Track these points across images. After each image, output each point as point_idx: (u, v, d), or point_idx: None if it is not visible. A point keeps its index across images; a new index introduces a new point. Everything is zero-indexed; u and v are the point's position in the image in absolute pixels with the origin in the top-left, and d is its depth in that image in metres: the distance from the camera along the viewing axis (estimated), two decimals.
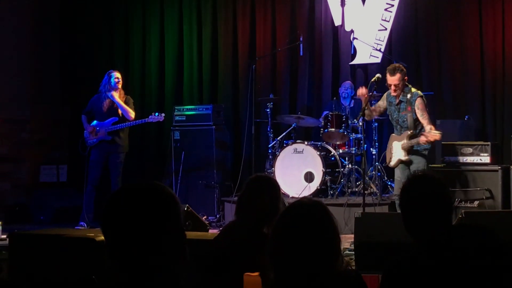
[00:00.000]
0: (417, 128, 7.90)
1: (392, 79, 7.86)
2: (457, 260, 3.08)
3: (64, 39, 12.34)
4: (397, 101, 7.94)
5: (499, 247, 3.16)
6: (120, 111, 9.54)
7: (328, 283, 2.78)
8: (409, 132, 7.86)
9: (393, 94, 7.96)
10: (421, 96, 7.91)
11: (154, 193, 2.25)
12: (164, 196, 2.26)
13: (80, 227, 9.31)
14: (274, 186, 4.21)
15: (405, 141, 7.88)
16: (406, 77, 7.92)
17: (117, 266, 2.18)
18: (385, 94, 8.25)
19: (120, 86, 9.62)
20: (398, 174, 8.13)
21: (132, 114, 9.54)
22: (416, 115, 7.85)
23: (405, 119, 7.91)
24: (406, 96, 7.89)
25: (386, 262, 3.18)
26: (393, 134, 8.21)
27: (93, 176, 9.59)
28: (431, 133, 7.60)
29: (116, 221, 2.20)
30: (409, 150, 7.89)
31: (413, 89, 7.96)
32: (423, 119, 7.81)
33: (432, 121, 8.05)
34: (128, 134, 9.78)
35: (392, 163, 8.11)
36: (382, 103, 8.27)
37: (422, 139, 7.64)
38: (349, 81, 10.46)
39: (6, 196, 11.12)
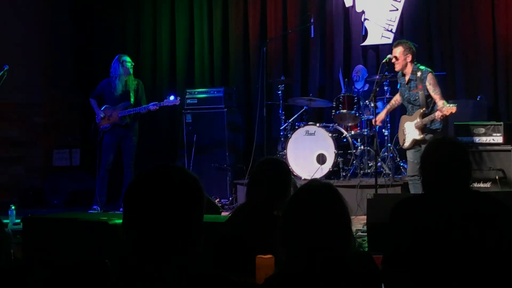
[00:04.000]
0: (429, 106, 7.79)
1: (394, 51, 7.85)
2: (460, 215, 3.38)
3: (76, 23, 12.34)
4: (407, 79, 7.86)
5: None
6: (132, 97, 9.56)
7: (340, 264, 2.79)
8: (421, 110, 7.76)
9: (396, 69, 7.91)
10: (431, 72, 7.84)
11: (184, 176, 2.21)
12: (191, 179, 2.23)
13: (93, 211, 9.35)
14: (283, 168, 4.20)
15: (418, 119, 7.78)
16: (410, 55, 7.78)
17: (135, 249, 2.14)
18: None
19: (132, 71, 9.63)
20: (410, 155, 8.04)
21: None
22: (428, 91, 7.74)
23: (416, 98, 7.81)
24: (416, 74, 7.78)
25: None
26: (404, 116, 8.13)
27: (106, 160, 9.61)
28: (445, 107, 7.50)
29: (144, 202, 2.14)
30: (423, 129, 7.78)
31: (422, 66, 7.86)
32: (436, 94, 7.71)
33: (445, 98, 7.95)
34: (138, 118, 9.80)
35: (407, 144, 7.99)
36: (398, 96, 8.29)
37: (438, 114, 7.55)
38: (360, 65, 10.42)
39: (19, 180, 11.18)
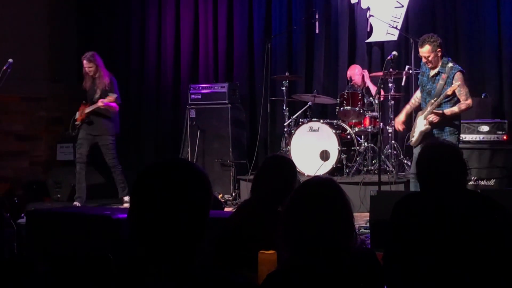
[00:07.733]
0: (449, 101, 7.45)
1: (422, 52, 7.47)
2: (458, 216, 3.43)
3: (81, 16, 12.34)
4: (435, 72, 7.49)
5: (506, 221, 3.45)
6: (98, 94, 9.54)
7: (342, 261, 2.78)
8: (432, 100, 7.42)
9: (430, 67, 7.52)
10: (461, 71, 7.46)
11: (193, 171, 2.21)
12: (201, 175, 2.21)
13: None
14: (290, 165, 4.21)
15: (429, 108, 7.44)
16: (440, 49, 7.45)
17: (140, 244, 2.13)
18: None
19: (91, 74, 9.63)
20: (416, 153, 7.66)
21: (114, 103, 9.50)
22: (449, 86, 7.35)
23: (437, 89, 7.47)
24: (445, 67, 7.45)
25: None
26: (420, 111, 7.73)
27: (79, 153, 9.65)
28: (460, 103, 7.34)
29: (152, 196, 2.11)
30: (433, 123, 7.43)
31: (451, 63, 7.48)
32: (461, 95, 7.38)
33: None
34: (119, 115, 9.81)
35: (413, 140, 7.64)
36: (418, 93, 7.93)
37: (448, 111, 7.34)
38: (356, 65, 10.37)
39: (23, 174, 11.19)
